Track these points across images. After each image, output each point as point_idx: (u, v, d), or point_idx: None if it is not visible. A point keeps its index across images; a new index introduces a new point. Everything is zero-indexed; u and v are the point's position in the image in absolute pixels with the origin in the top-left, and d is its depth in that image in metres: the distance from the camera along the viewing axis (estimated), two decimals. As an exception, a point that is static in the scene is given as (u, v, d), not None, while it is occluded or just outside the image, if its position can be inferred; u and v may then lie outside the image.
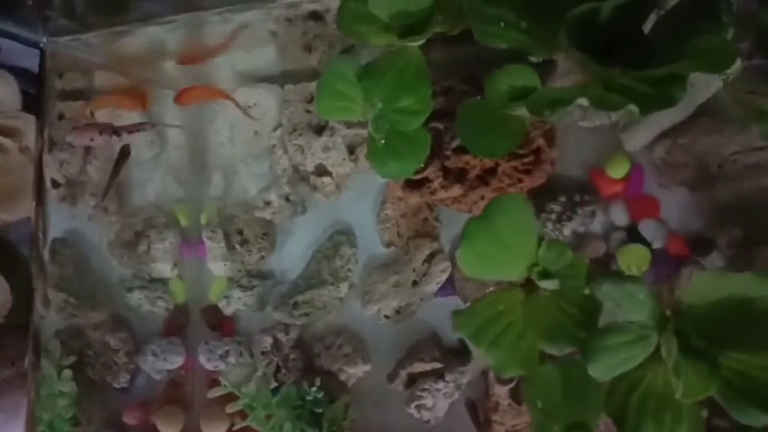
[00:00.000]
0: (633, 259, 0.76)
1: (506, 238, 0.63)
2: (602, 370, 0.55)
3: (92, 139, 0.88)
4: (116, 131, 0.88)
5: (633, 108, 0.51)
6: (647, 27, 0.58)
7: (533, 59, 0.63)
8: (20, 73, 1.02)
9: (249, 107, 0.93)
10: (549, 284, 0.62)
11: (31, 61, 0.97)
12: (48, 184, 1.04)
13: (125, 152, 0.92)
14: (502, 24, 0.59)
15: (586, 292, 0.60)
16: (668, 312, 0.57)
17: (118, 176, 0.93)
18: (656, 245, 0.77)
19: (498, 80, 0.62)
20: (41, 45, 0.95)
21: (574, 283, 0.62)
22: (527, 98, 0.58)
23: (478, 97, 0.65)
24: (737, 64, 0.67)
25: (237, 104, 0.91)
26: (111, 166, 0.92)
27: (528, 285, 0.64)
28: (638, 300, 0.56)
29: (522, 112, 0.61)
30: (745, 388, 0.53)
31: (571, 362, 0.61)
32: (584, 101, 0.52)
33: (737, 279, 0.55)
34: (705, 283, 0.56)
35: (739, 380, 0.53)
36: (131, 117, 0.96)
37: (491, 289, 0.70)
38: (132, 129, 0.90)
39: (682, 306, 0.56)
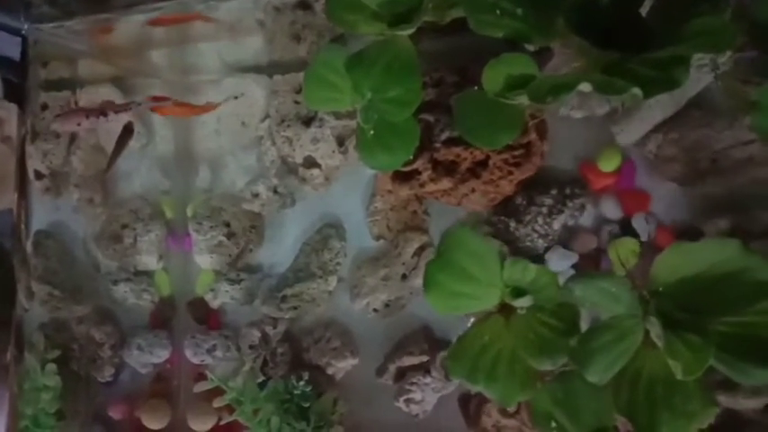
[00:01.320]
0: (624, 253, 0.76)
1: (469, 270, 0.63)
2: (599, 373, 0.55)
3: (79, 124, 0.86)
4: (103, 112, 0.86)
5: (637, 92, 0.50)
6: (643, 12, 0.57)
7: (529, 49, 0.62)
8: (1, 61, 1.00)
9: (236, 98, 0.92)
10: (523, 302, 0.62)
11: (12, 49, 0.95)
12: (31, 175, 1.02)
13: (129, 129, 0.90)
14: (498, 12, 0.58)
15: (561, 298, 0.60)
16: (646, 295, 0.56)
17: (121, 153, 0.91)
18: (647, 238, 0.77)
19: (496, 69, 0.61)
20: (23, 32, 0.93)
21: (546, 293, 0.62)
22: (527, 86, 0.57)
23: (475, 88, 0.64)
24: (728, 55, 0.67)
25: (222, 102, 0.90)
26: (114, 144, 0.91)
27: (505, 309, 0.64)
28: (612, 294, 0.55)
29: (521, 100, 0.61)
30: (741, 348, 0.53)
31: (569, 372, 0.60)
32: (586, 86, 0.51)
33: (701, 248, 0.55)
34: (672, 259, 0.56)
35: (733, 342, 0.53)
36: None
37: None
38: (119, 108, 0.88)
39: (656, 286, 0.56)
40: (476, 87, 0.64)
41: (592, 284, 0.56)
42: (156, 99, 0.88)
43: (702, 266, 0.54)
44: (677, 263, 0.55)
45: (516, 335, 0.63)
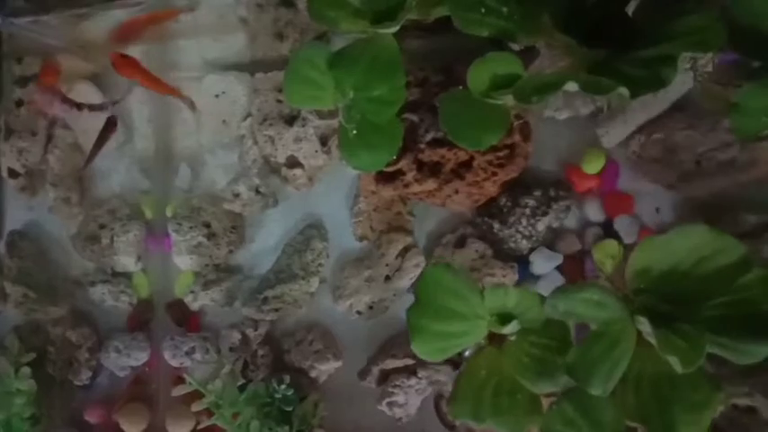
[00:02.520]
0: (608, 255, 0.76)
1: (451, 307, 0.62)
2: (600, 384, 0.54)
3: (52, 103, 0.85)
4: (78, 106, 0.86)
5: (624, 91, 0.49)
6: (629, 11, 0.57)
7: (514, 48, 0.62)
8: (-27, 56, 0.98)
9: (217, 96, 0.90)
10: (510, 328, 0.61)
11: (-15, 44, 0.93)
12: (4, 173, 1.00)
13: (112, 122, 0.89)
14: (483, 10, 0.57)
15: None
16: (629, 295, 0.56)
17: (102, 147, 0.89)
18: (630, 240, 0.77)
19: (481, 68, 0.60)
20: (-3, 26, 0.91)
21: (531, 314, 0.61)
22: (513, 85, 0.56)
23: (460, 87, 0.63)
24: (708, 57, 0.67)
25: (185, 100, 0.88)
26: (95, 139, 0.89)
27: (495, 339, 0.63)
28: (596, 302, 0.54)
29: (506, 100, 0.60)
30: (733, 328, 0.52)
31: (574, 389, 0.58)
32: (573, 85, 0.51)
33: (671, 239, 0.54)
34: (647, 254, 0.55)
35: (724, 324, 0.52)
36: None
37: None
38: (95, 108, 0.88)
39: (637, 284, 0.56)
40: (461, 87, 0.64)
41: (574, 297, 0.55)
42: (122, 58, 0.85)
43: (677, 256, 0.54)
44: (652, 257, 0.55)
45: (511, 362, 0.61)
